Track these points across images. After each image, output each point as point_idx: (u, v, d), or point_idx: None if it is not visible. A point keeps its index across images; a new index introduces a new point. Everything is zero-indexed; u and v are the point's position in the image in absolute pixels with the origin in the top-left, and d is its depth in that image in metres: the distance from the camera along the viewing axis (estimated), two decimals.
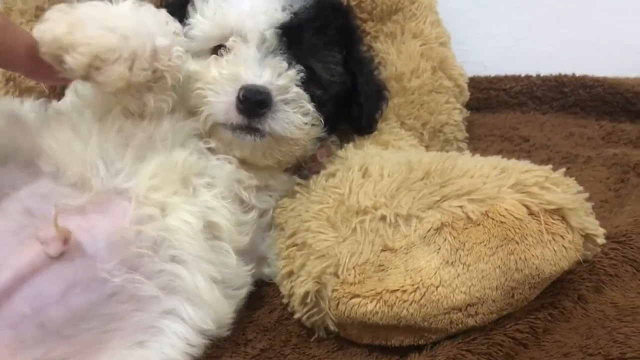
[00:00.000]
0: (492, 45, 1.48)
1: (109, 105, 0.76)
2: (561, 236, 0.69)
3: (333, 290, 0.70)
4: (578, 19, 1.46)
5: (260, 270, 0.84)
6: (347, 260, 0.71)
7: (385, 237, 0.70)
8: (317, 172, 0.87)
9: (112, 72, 0.68)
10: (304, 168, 0.90)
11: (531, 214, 0.69)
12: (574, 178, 1.05)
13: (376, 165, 0.79)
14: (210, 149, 0.81)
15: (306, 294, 0.72)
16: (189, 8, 0.85)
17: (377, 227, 0.71)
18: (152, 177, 0.74)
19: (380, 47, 1.15)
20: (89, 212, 0.71)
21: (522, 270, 0.67)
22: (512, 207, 0.69)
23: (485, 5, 1.47)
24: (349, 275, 0.70)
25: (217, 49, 0.83)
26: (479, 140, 1.25)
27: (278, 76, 0.78)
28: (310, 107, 0.82)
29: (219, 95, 0.78)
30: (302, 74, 0.81)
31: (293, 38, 0.81)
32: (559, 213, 0.69)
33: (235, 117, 0.77)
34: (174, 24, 0.75)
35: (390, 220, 0.71)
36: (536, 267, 0.68)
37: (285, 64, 0.80)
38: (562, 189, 0.72)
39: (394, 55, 1.13)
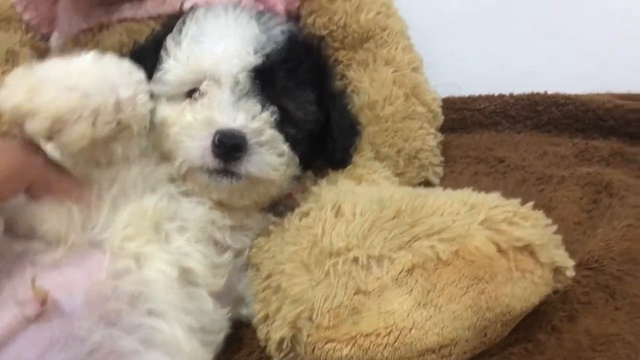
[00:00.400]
0: (465, 66, 1.50)
1: (76, 158, 0.75)
2: (531, 272, 0.70)
3: (308, 335, 0.71)
4: (548, 37, 1.47)
5: (238, 311, 0.84)
6: (321, 304, 0.71)
7: (358, 279, 0.71)
8: (293, 209, 0.87)
9: (73, 132, 0.68)
10: (279, 205, 0.90)
11: (500, 251, 0.70)
12: (549, 199, 1.10)
13: (349, 203, 0.80)
14: (182, 192, 0.81)
15: (282, 339, 0.72)
16: (162, 53, 0.85)
17: (350, 270, 0.72)
18: (125, 227, 0.74)
19: (353, 76, 1.15)
20: (64, 266, 0.71)
21: (493, 309, 0.68)
22: (482, 245, 0.70)
23: (456, 26, 1.48)
24: (324, 319, 0.70)
25: (191, 93, 0.83)
26: (454, 163, 1.26)
27: (252, 119, 0.79)
28: (285, 147, 0.83)
29: (194, 139, 0.78)
30: (275, 116, 0.82)
31: (266, 80, 0.82)
32: (528, 249, 0.70)
33: (212, 162, 0.78)
34: (138, 73, 0.76)
35: (362, 262, 0.72)
36: (507, 305, 0.69)
37: (259, 107, 0.80)
38: (530, 223, 0.73)
39: (366, 84, 1.14)
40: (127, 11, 1.02)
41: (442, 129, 1.24)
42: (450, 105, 1.39)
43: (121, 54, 0.92)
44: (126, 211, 0.75)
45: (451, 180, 1.20)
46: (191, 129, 0.78)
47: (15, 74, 0.69)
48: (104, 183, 0.76)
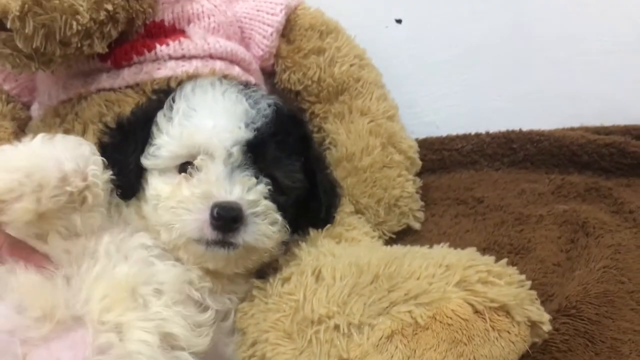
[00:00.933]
0: (442, 105, 1.53)
1: (27, 230, 0.78)
2: (507, 331, 0.72)
3: None
4: (519, 74, 1.51)
5: None
6: None
7: (340, 347, 0.72)
8: (275, 271, 0.89)
9: (15, 210, 0.72)
10: (263, 268, 0.92)
11: (477, 312, 0.72)
12: (528, 239, 1.12)
13: (328, 267, 0.82)
14: (155, 256, 0.83)
15: None
16: (153, 128, 0.87)
17: (332, 338, 0.73)
18: (102, 299, 0.75)
19: (330, 128, 1.19)
20: (52, 342, 0.73)
21: None
22: (458, 308, 0.71)
23: (431, 68, 1.52)
24: None
25: (184, 166, 0.85)
26: (435, 205, 1.29)
27: (248, 191, 0.82)
28: (277, 216, 0.86)
29: (191, 213, 0.80)
30: (269, 187, 0.85)
31: (257, 152, 0.85)
32: (503, 309, 0.72)
33: (210, 233, 0.80)
34: (85, 146, 0.80)
35: (343, 329, 0.73)
36: None
37: (254, 179, 0.83)
38: (505, 280, 0.74)
39: (343, 136, 1.17)
40: (105, 81, 1.04)
41: (422, 170, 1.28)
42: (429, 146, 1.43)
43: (101, 124, 0.95)
44: (101, 283, 0.77)
45: (432, 224, 1.23)
46: (189, 203, 0.81)
47: None
48: (74, 254, 0.79)
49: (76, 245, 0.80)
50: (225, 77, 1.05)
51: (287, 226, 0.88)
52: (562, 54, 1.48)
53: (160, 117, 0.88)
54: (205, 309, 0.84)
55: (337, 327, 0.74)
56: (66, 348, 0.73)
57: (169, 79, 1.04)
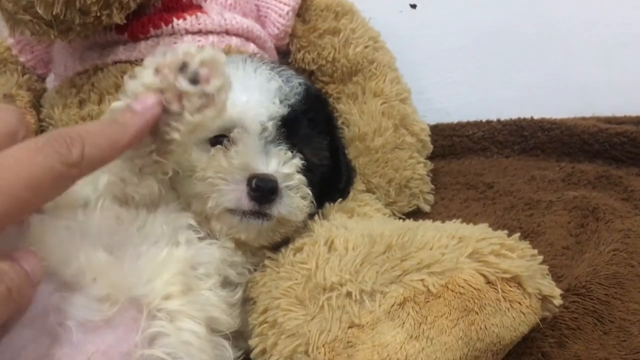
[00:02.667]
0: (453, 92, 1.53)
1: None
2: (519, 302, 0.72)
3: None
4: (532, 63, 1.51)
5: (237, 345, 0.86)
6: (316, 339, 0.73)
7: (352, 313, 0.73)
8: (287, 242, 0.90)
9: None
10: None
11: (489, 282, 0.72)
12: (537, 224, 1.12)
13: (341, 238, 0.82)
14: (198, 237, 0.83)
15: None
16: None
17: (344, 304, 0.74)
18: (166, 285, 0.73)
19: (343, 108, 1.19)
20: (105, 327, 0.69)
21: (483, 340, 0.70)
22: (471, 278, 0.72)
23: (443, 55, 1.52)
24: (319, 353, 0.72)
25: (217, 138, 0.87)
26: (445, 190, 1.29)
27: (283, 165, 0.84)
28: (308, 190, 0.88)
29: (229, 183, 0.82)
30: (302, 162, 0.87)
31: (290, 128, 0.87)
32: (515, 280, 0.72)
33: (247, 204, 0.82)
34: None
35: (355, 296, 0.74)
36: (497, 335, 0.71)
37: (289, 153, 0.86)
38: (517, 254, 0.75)
39: (356, 116, 1.17)
40: (121, 53, 1.05)
41: (432, 156, 1.28)
42: (440, 132, 1.43)
43: (117, 94, 0.96)
44: (166, 267, 0.75)
45: (442, 207, 1.23)
46: (226, 174, 0.82)
47: None
48: (125, 224, 0.77)
49: (129, 214, 0.78)
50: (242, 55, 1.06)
51: (314, 201, 0.91)
52: (576, 44, 1.48)
53: None
54: (235, 288, 0.85)
55: (349, 294, 0.74)
56: (115, 334, 0.70)
57: None
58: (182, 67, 0.68)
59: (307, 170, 0.89)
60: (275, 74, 0.91)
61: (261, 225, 0.84)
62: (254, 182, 0.81)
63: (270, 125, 0.86)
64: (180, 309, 0.73)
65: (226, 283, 0.83)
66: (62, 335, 0.67)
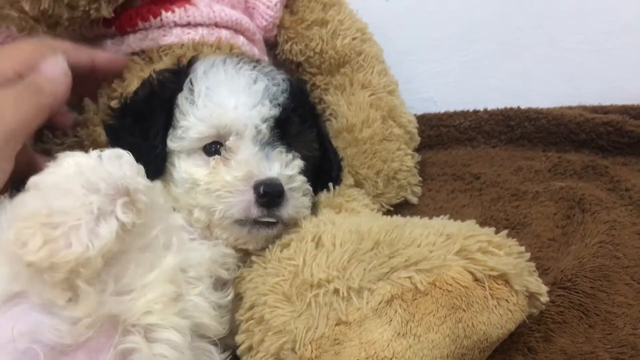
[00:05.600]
0: (440, 82, 1.54)
1: None
2: (506, 300, 0.72)
3: None
4: (518, 52, 1.51)
5: (224, 341, 0.85)
6: (303, 336, 0.73)
7: (339, 310, 0.73)
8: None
9: (90, 270, 0.68)
10: None
11: (476, 280, 0.72)
12: (524, 215, 1.13)
13: (329, 234, 0.82)
14: (192, 238, 0.83)
15: None
16: (175, 111, 0.88)
17: (331, 301, 0.74)
18: (151, 301, 0.72)
19: (331, 100, 1.18)
20: (75, 349, 0.68)
21: (470, 337, 0.71)
22: (458, 275, 0.72)
23: (430, 44, 1.52)
24: (306, 350, 0.72)
25: (210, 146, 0.87)
26: (432, 181, 1.29)
27: (286, 167, 0.85)
28: (308, 187, 0.89)
29: (236, 195, 0.82)
30: (303, 162, 0.89)
31: (282, 128, 0.88)
32: (503, 278, 0.73)
33: (256, 211, 0.82)
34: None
35: (343, 293, 0.74)
36: (484, 333, 0.71)
37: (290, 155, 0.87)
38: (504, 251, 0.75)
39: (344, 107, 1.16)
40: (109, 47, 1.03)
41: (419, 146, 1.28)
42: (427, 122, 1.43)
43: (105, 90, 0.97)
44: (153, 282, 0.73)
45: (429, 199, 1.23)
46: (232, 187, 0.82)
47: (24, 210, 0.67)
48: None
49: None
50: (231, 47, 1.05)
51: (313, 194, 0.92)
52: (563, 33, 1.48)
53: (181, 99, 0.88)
54: (226, 287, 0.84)
55: (336, 291, 0.74)
56: (87, 355, 0.68)
57: (174, 46, 1.03)
58: None
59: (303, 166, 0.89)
60: (258, 72, 0.90)
61: (269, 234, 0.85)
62: (261, 188, 0.81)
63: (264, 128, 0.85)
64: (159, 322, 0.72)
65: (218, 283, 0.83)
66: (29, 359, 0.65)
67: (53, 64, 0.83)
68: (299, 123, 0.91)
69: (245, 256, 0.88)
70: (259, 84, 0.88)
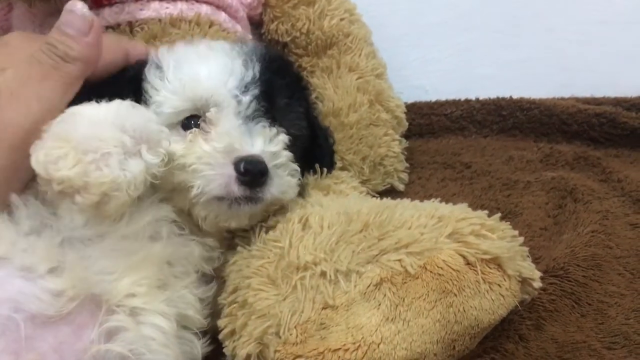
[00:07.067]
0: (432, 70, 1.51)
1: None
2: (498, 285, 0.70)
3: (275, 351, 0.69)
4: (512, 41, 1.49)
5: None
6: (288, 320, 0.70)
7: (326, 294, 0.70)
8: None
9: (118, 202, 0.67)
10: None
11: (468, 264, 0.70)
12: (515, 204, 1.11)
13: (316, 216, 0.79)
14: (179, 233, 0.78)
15: (248, 355, 0.71)
16: (145, 85, 0.81)
17: (318, 284, 0.71)
18: (133, 284, 0.70)
19: (317, 82, 1.15)
20: (60, 322, 0.66)
21: (461, 322, 0.68)
22: (450, 258, 0.69)
23: (422, 31, 1.49)
24: (291, 335, 0.69)
25: (188, 120, 0.80)
26: (422, 169, 1.27)
27: (269, 143, 0.78)
28: (295, 166, 0.82)
29: (214, 169, 0.75)
30: (288, 137, 0.81)
31: (267, 100, 0.81)
32: (495, 262, 0.70)
33: (237, 189, 0.75)
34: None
35: (330, 276, 0.71)
36: (475, 318, 0.69)
37: (274, 130, 0.80)
38: (497, 235, 0.73)
39: (330, 90, 1.13)
40: None
41: (409, 134, 1.26)
42: (418, 110, 1.41)
43: None
44: (137, 264, 0.71)
45: (419, 186, 1.21)
46: (210, 158, 0.75)
47: (56, 132, 0.67)
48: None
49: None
50: (211, 23, 1.02)
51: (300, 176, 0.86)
52: (556, 23, 1.46)
53: (149, 74, 0.81)
54: (210, 280, 0.80)
55: (323, 274, 0.71)
56: (71, 329, 0.66)
57: (151, 21, 0.98)
58: None
59: (289, 144, 0.83)
60: (236, 45, 0.85)
61: (252, 210, 0.78)
62: (242, 165, 0.74)
63: (245, 99, 0.79)
64: (144, 306, 0.69)
65: (202, 278, 0.80)
66: (9, 328, 0.63)
67: (74, 18, 0.77)
68: (285, 95, 0.84)
69: (230, 247, 0.84)
70: (232, 51, 0.82)
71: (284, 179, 0.80)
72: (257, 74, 0.81)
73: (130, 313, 0.69)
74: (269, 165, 0.77)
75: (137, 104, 0.74)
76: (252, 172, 0.75)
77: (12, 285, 0.65)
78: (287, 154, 0.81)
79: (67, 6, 0.76)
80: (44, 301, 0.65)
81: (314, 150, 0.93)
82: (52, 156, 0.64)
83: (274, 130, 0.80)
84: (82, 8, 0.76)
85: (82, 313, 0.67)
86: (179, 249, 0.76)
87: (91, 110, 0.70)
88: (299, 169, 0.83)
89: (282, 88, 0.84)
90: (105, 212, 0.67)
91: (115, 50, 0.83)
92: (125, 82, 0.82)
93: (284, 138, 0.81)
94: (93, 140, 0.65)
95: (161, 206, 0.77)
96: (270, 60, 0.84)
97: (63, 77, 0.74)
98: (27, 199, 0.72)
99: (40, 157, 0.65)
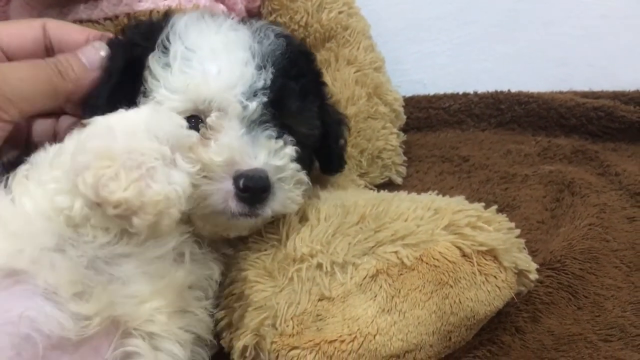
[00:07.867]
0: (430, 64, 1.51)
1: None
2: (494, 276, 0.70)
3: (272, 343, 0.70)
4: (510, 35, 1.49)
5: None
6: (285, 311, 0.70)
7: (322, 286, 0.70)
8: None
9: (171, 219, 0.62)
10: None
11: (464, 255, 0.70)
12: (513, 198, 1.11)
13: (313, 208, 0.79)
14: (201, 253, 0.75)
15: (245, 347, 0.71)
16: (146, 76, 0.75)
17: (314, 276, 0.71)
18: (155, 310, 0.67)
19: None
20: (77, 346, 0.63)
21: (457, 314, 0.69)
22: (446, 250, 0.70)
23: (420, 24, 1.49)
24: (287, 326, 0.69)
25: (189, 121, 0.72)
26: (420, 162, 1.26)
27: (274, 155, 0.73)
28: (303, 175, 0.77)
29: (213, 182, 0.70)
30: (296, 148, 0.76)
31: (278, 104, 0.75)
32: (491, 253, 0.70)
33: (235, 206, 0.70)
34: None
35: (326, 268, 0.71)
36: (471, 310, 0.69)
37: (280, 142, 0.74)
38: (494, 227, 0.73)
39: (329, 83, 1.12)
40: (82, 12, 0.99)
41: (408, 128, 1.26)
42: (416, 104, 1.41)
43: None
44: (161, 290, 0.67)
45: (417, 180, 1.21)
46: (209, 171, 0.70)
47: (95, 149, 0.61)
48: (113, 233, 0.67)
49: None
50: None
51: (309, 181, 0.80)
52: (555, 17, 1.46)
53: (153, 62, 0.74)
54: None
55: (319, 266, 0.71)
56: (87, 352, 0.63)
57: (150, 12, 0.98)
58: None
59: (298, 146, 0.77)
60: (249, 31, 0.77)
61: (251, 223, 0.75)
62: (241, 182, 0.69)
63: (252, 104, 0.72)
64: (162, 333, 0.66)
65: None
66: (25, 348, 0.60)
67: (92, 52, 0.78)
68: (299, 97, 0.77)
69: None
70: (249, 49, 0.74)
71: (288, 193, 0.75)
72: (269, 81, 0.74)
73: (147, 338, 0.66)
74: (273, 179, 0.72)
75: (161, 108, 0.71)
76: (253, 189, 0.70)
77: (34, 303, 0.61)
78: (294, 166, 0.75)
79: (97, 45, 0.79)
80: (67, 325, 0.61)
81: (323, 150, 0.88)
82: (101, 177, 0.59)
83: (280, 142, 0.74)
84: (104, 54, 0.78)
85: (99, 333, 0.64)
86: (201, 273, 0.74)
87: (121, 121, 0.65)
88: (306, 178, 0.78)
89: (294, 93, 0.77)
90: (158, 232, 0.64)
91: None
92: (122, 69, 0.77)
93: (290, 151, 0.75)
94: (136, 155, 0.61)
95: (180, 225, 0.70)
96: (288, 62, 0.77)
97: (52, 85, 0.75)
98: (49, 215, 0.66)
99: (89, 179, 0.60)
